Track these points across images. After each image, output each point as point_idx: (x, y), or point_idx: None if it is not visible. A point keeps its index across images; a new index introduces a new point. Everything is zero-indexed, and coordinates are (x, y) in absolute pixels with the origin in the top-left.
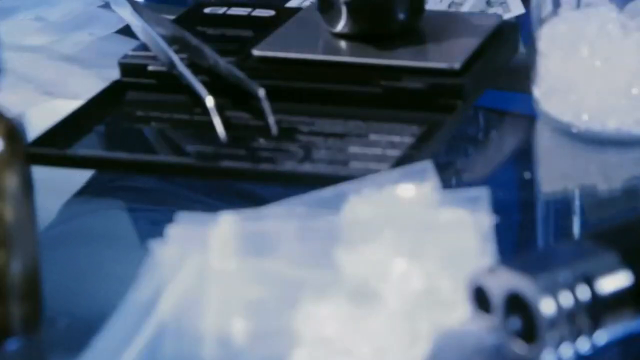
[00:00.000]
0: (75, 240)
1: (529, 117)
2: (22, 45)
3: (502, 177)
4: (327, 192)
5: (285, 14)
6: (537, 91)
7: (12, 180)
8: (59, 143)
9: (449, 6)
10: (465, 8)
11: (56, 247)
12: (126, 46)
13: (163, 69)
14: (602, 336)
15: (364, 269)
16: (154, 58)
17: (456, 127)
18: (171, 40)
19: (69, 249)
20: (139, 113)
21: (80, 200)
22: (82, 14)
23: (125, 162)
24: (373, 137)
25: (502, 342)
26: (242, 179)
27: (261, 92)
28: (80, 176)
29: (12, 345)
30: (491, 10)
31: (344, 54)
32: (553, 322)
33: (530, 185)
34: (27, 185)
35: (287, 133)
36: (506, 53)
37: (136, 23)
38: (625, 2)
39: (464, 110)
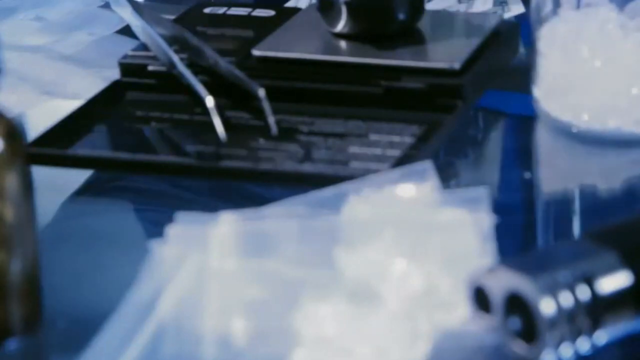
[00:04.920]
0: (75, 240)
1: (529, 117)
2: (22, 45)
3: (502, 177)
4: (327, 192)
5: (285, 14)
6: (537, 91)
7: (12, 180)
8: (59, 143)
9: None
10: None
11: (56, 247)
12: (126, 46)
13: (163, 69)
14: (602, 336)
15: (364, 269)
16: (154, 58)
17: (456, 127)
18: (171, 40)
19: (68, 249)
20: (139, 113)
21: (79, 200)
22: (82, 14)
23: (125, 162)
24: (373, 137)
25: (502, 342)
26: (242, 179)
27: (261, 92)
28: (80, 176)
29: (12, 345)
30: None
31: (344, 54)
32: (553, 322)
33: (530, 185)
34: (27, 185)
35: (287, 133)
36: (506, 53)
37: (136, 23)
38: (625, 2)
39: (464, 110)
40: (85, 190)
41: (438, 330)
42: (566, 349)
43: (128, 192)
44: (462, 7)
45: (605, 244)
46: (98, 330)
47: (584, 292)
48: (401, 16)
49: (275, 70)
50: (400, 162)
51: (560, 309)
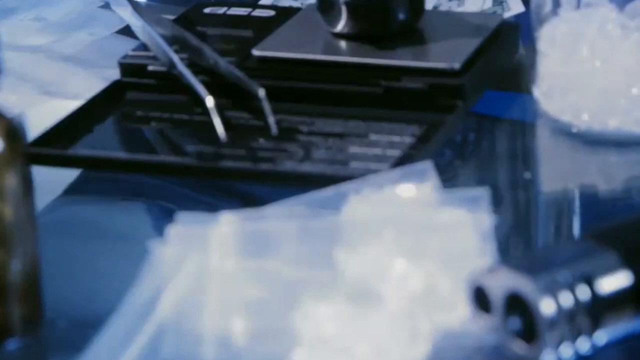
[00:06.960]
0: (75, 239)
1: (529, 117)
2: (22, 45)
3: (502, 177)
4: (327, 192)
5: (285, 14)
6: (537, 91)
7: (12, 180)
8: (59, 143)
9: None
10: None
11: (56, 247)
12: (126, 46)
13: (163, 69)
14: (602, 336)
15: (364, 269)
16: (154, 58)
17: (456, 127)
18: (171, 40)
19: (69, 249)
20: (139, 113)
21: (79, 200)
22: (82, 14)
23: (125, 162)
24: (373, 137)
25: (502, 342)
26: (242, 179)
27: (261, 92)
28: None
29: (12, 345)
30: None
31: (344, 54)
32: (553, 322)
33: (530, 185)
34: (27, 185)
35: (287, 133)
36: (506, 53)
37: (136, 23)
38: (625, 2)
39: (464, 110)
40: (84, 190)
41: (438, 330)
42: (566, 349)
43: (128, 192)
44: (453, 5)
45: (605, 244)
46: (98, 330)
47: (584, 292)
48: (401, 16)
49: (275, 70)
50: (400, 162)
51: (560, 309)
